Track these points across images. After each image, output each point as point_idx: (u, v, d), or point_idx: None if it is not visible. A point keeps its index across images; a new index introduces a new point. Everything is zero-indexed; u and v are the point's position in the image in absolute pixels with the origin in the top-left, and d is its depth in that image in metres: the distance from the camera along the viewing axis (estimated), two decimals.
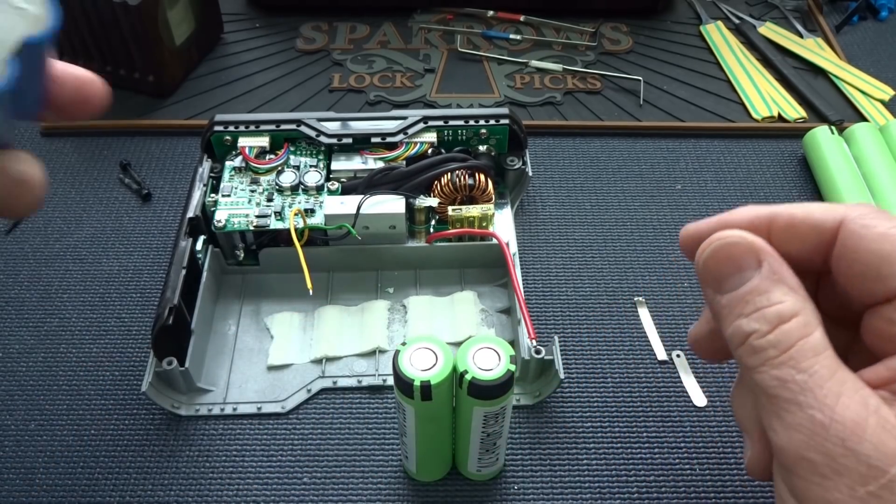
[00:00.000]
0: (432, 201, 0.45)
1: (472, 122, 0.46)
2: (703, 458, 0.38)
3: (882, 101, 0.57)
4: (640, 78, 0.59)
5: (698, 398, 0.40)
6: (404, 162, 0.46)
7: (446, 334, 0.42)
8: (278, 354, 0.42)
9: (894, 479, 0.17)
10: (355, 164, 0.46)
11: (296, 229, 0.42)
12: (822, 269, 0.23)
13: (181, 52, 0.57)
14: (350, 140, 0.46)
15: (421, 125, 0.46)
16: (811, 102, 0.57)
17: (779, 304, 0.20)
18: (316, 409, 0.40)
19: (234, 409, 0.40)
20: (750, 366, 0.20)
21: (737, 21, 0.65)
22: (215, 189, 0.45)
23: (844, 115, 0.56)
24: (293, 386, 0.41)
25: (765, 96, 0.58)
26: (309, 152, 0.46)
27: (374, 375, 0.41)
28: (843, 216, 0.21)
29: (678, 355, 0.42)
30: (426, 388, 0.30)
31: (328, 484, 0.37)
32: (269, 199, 0.44)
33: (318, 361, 0.42)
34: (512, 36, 0.63)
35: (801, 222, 0.22)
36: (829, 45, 0.63)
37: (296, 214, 0.43)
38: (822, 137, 0.51)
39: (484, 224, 0.45)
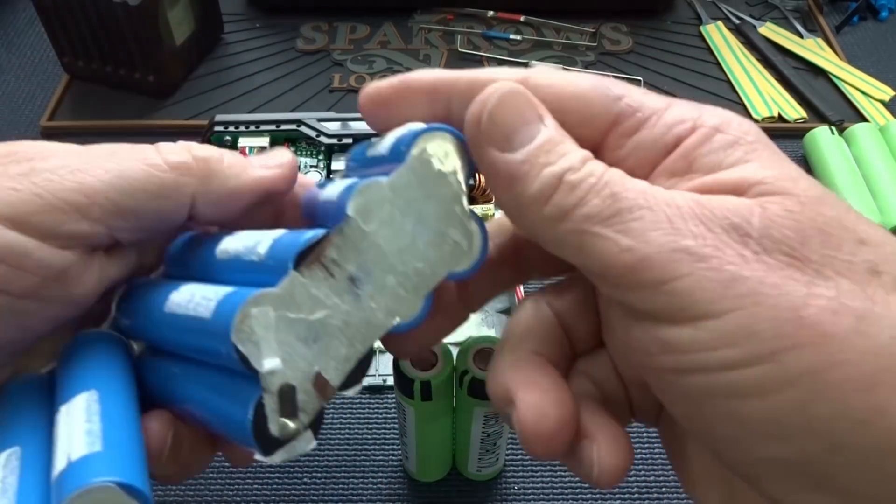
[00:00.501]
0: None
1: None
2: None
3: (882, 102, 0.57)
4: (640, 78, 0.59)
5: None
6: None
7: None
8: None
9: (763, 225, 0.15)
10: None
11: None
12: None
13: (181, 52, 0.57)
14: (350, 140, 0.46)
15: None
16: (811, 103, 0.57)
17: (580, 151, 0.18)
18: None
19: None
20: (569, 205, 0.17)
21: (737, 21, 0.65)
22: None
23: (844, 115, 0.56)
24: None
25: (765, 96, 0.58)
26: (309, 152, 0.46)
27: (374, 375, 0.41)
28: (526, 73, 0.19)
29: None
30: (426, 388, 0.30)
31: (328, 484, 0.37)
32: None
33: None
34: (512, 36, 0.63)
35: (482, 83, 0.19)
36: (829, 46, 0.63)
37: None
38: (822, 138, 0.51)
39: None
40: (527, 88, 0.18)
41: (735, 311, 0.15)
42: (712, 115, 0.18)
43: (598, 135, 0.18)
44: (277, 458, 0.17)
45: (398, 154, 0.18)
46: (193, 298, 0.19)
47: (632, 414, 0.22)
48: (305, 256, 0.17)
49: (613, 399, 0.21)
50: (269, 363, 0.17)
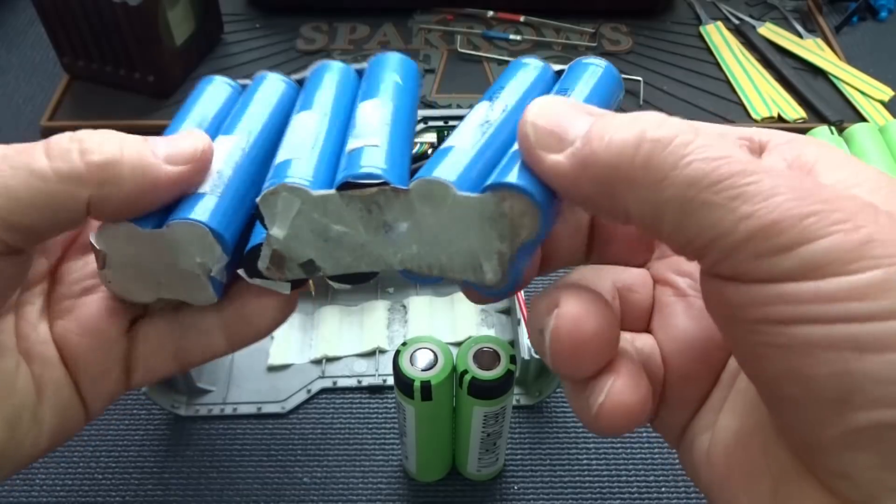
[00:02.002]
0: None
1: None
2: None
3: (882, 102, 0.57)
4: (639, 78, 0.59)
5: None
6: None
7: (446, 334, 0.42)
8: (278, 354, 0.42)
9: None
10: None
11: None
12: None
13: (181, 52, 0.57)
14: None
15: (421, 125, 0.46)
16: (811, 103, 0.57)
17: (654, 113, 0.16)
18: (316, 409, 0.40)
19: (234, 410, 0.40)
20: (666, 167, 0.15)
21: (736, 21, 0.65)
22: None
23: (844, 115, 0.56)
24: (293, 386, 0.41)
25: (764, 97, 0.58)
26: None
27: (374, 375, 0.41)
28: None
29: None
30: (426, 388, 0.30)
31: (328, 484, 0.37)
32: None
33: (318, 361, 0.42)
34: (512, 36, 0.63)
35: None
36: (829, 46, 0.63)
37: None
38: (822, 138, 0.51)
39: None
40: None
41: (872, 270, 0.13)
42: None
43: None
44: (256, 282, 0.22)
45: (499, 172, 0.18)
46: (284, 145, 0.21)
47: (655, 413, 0.20)
48: (353, 188, 0.19)
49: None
50: (274, 231, 0.20)
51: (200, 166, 0.21)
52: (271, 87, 0.24)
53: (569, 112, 0.17)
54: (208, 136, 0.22)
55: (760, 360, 0.15)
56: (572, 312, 0.17)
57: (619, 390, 0.18)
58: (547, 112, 0.17)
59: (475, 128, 0.19)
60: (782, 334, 0.14)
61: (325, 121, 0.22)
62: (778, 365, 0.15)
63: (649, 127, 0.15)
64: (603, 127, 0.16)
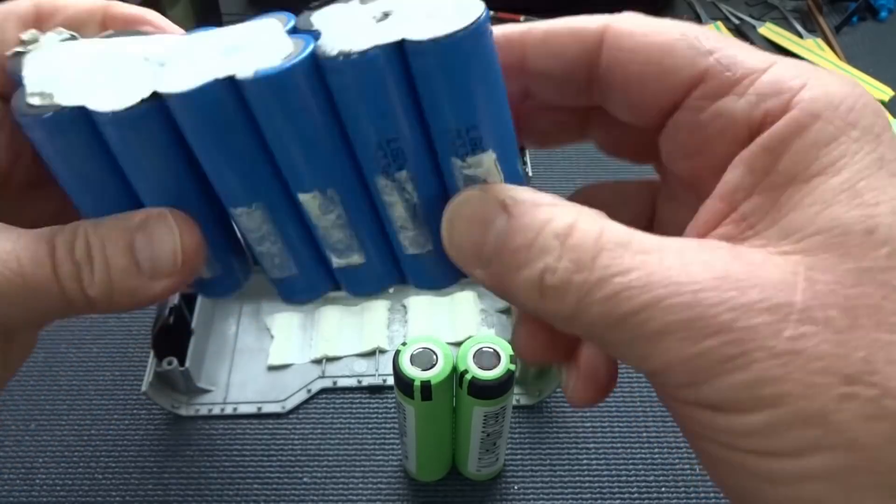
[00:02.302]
0: None
1: None
2: None
3: (882, 102, 0.57)
4: None
5: None
6: None
7: (446, 334, 0.42)
8: (278, 354, 0.42)
9: (805, 305, 0.13)
10: None
11: None
12: (591, 97, 0.18)
13: None
14: None
15: None
16: None
17: (550, 223, 0.15)
18: (316, 409, 0.40)
19: (235, 409, 0.40)
20: (569, 310, 0.15)
21: (737, 21, 0.65)
22: None
23: None
24: (293, 386, 0.41)
25: None
26: None
27: (374, 375, 0.41)
28: (608, 20, 0.17)
29: None
30: (426, 388, 0.30)
31: (328, 484, 0.37)
32: None
33: (318, 361, 0.42)
34: None
35: (559, 33, 0.18)
36: (829, 46, 0.63)
37: None
38: None
39: None
40: (606, 39, 0.17)
41: (763, 410, 0.13)
42: (820, 87, 0.15)
43: (679, 91, 0.16)
44: None
45: None
46: None
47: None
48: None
49: None
50: None
51: (189, 272, 0.19)
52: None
53: (477, 231, 0.16)
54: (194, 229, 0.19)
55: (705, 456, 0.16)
56: (520, 343, 0.19)
57: (574, 389, 0.19)
58: (458, 233, 0.17)
59: None
60: (716, 449, 0.15)
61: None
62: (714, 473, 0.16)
63: (548, 270, 0.15)
64: (507, 264, 0.16)
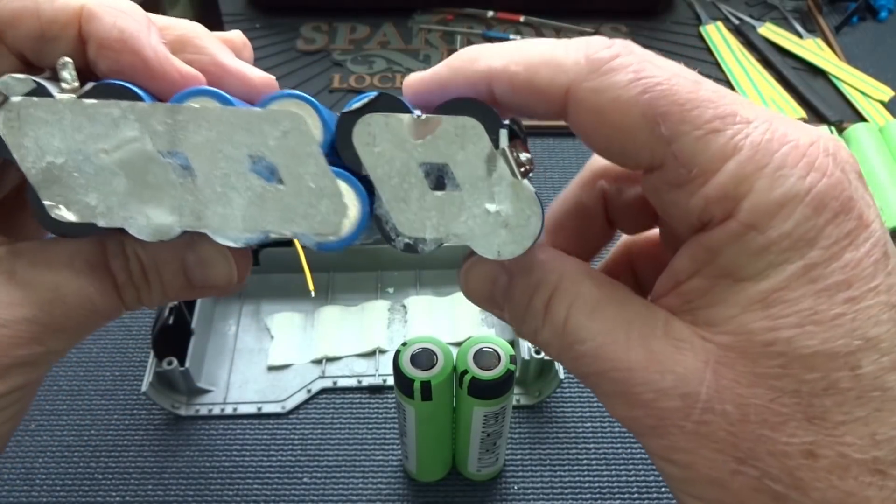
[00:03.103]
0: None
1: None
2: None
3: (882, 102, 0.57)
4: None
5: None
6: None
7: (446, 334, 0.42)
8: (278, 354, 0.42)
9: (708, 397, 0.16)
10: None
11: None
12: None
13: None
14: None
15: None
16: (811, 103, 0.57)
17: (536, 292, 0.18)
18: (316, 409, 0.40)
19: (234, 409, 0.40)
20: (555, 359, 0.20)
21: (736, 22, 0.65)
22: None
23: (844, 115, 0.56)
24: (293, 386, 0.41)
25: (764, 97, 0.58)
26: None
27: (374, 375, 0.41)
28: (569, 82, 0.16)
29: None
30: (426, 388, 0.30)
31: (328, 484, 0.37)
32: None
33: (318, 361, 0.42)
34: (512, 36, 0.63)
35: (524, 88, 0.17)
36: (829, 46, 0.63)
37: None
38: None
39: None
40: (569, 109, 0.17)
41: (682, 468, 0.17)
42: (766, 190, 0.15)
43: (640, 168, 0.17)
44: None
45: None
46: None
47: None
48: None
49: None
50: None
51: (239, 286, 0.21)
52: None
53: (487, 286, 0.19)
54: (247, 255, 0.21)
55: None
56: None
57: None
58: (472, 288, 0.20)
59: None
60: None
61: None
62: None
63: (537, 331, 0.19)
64: (513, 315, 0.19)
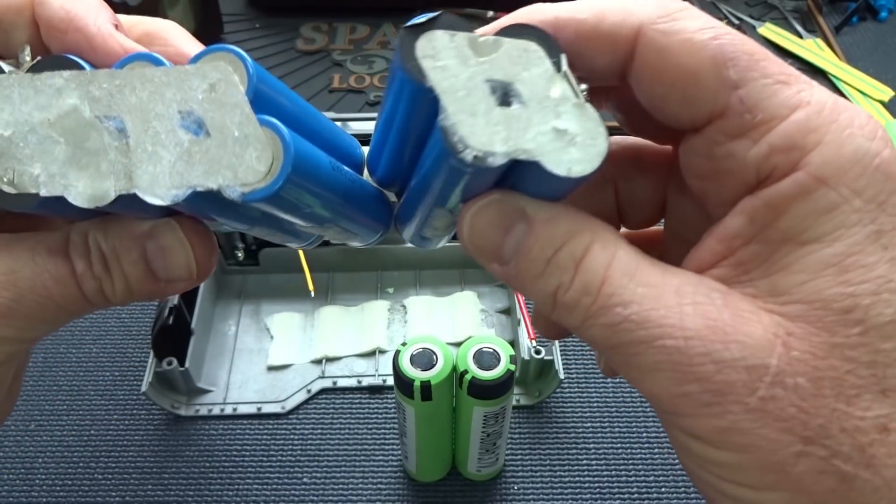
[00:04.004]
0: None
1: None
2: None
3: (882, 102, 0.57)
4: None
5: None
6: None
7: (446, 334, 0.42)
8: (278, 354, 0.42)
9: (779, 370, 0.15)
10: None
11: None
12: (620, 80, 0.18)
13: None
14: None
15: None
16: None
17: (566, 244, 0.16)
18: (316, 409, 0.40)
19: (234, 410, 0.40)
20: (576, 325, 0.17)
21: (736, 22, 0.65)
22: None
23: None
24: (293, 386, 0.41)
25: None
26: None
27: (374, 375, 0.41)
28: (640, 23, 0.16)
29: None
30: (426, 388, 0.30)
31: (328, 484, 0.37)
32: None
33: (318, 361, 0.42)
34: None
35: (591, 34, 0.17)
36: (829, 46, 0.63)
37: None
38: None
39: None
40: (638, 50, 0.16)
41: (733, 452, 0.15)
42: (835, 146, 0.15)
43: (698, 121, 0.16)
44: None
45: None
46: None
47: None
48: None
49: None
50: None
51: (205, 276, 0.20)
52: None
53: (497, 234, 0.17)
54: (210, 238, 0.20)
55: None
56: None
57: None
58: (477, 235, 0.18)
59: None
60: (691, 464, 0.17)
61: None
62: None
63: (561, 287, 0.16)
64: (525, 270, 0.17)
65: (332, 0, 0.65)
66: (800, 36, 0.64)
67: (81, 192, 0.18)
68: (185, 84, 0.17)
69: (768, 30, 0.64)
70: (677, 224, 0.21)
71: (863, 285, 0.15)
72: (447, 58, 0.17)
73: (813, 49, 0.62)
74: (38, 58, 0.19)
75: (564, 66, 0.17)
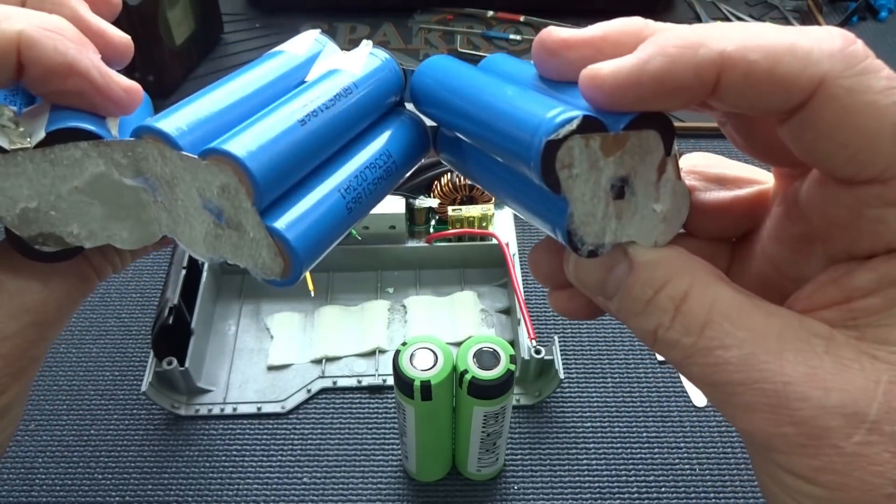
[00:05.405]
0: (432, 202, 0.45)
1: None
2: (703, 458, 0.38)
3: None
4: None
5: (698, 398, 0.40)
6: None
7: (446, 334, 0.42)
8: (278, 354, 0.42)
9: (877, 418, 0.15)
10: None
11: None
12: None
13: (181, 52, 0.57)
14: None
15: None
16: None
17: (666, 285, 0.17)
18: (316, 409, 0.40)
19: (234, 409, 0.40)
20: (675, 361, 0.17)
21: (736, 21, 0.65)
22: None
23: None
24: (293, 386, 0.41)
25: None
26: None
27: (374, 375, 0.41)
28: (824, 75, 0.15)
29: None
30: (426, 387, 0.30)
31: (328, 484, 0.37)
32: None
33: (318, 361, 0.42)
34: (512, 36, 0.63)
35: (762, 80, 0.15)
36: None
37: None
38: None
39: (484, 224, 0.45)
40: (817, 100, 0.15)
41: (825, 489, 0.16)
42: None
43: (859, 179, 0.16)
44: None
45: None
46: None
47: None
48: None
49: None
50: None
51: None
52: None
53: (600, 273, 0.19)
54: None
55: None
56: (559, 305, 0.21)
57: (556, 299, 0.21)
58: (582, 271, 0.19)
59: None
60: (777, 491, 0.17)
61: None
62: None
63: (661, 327, 0.17)
64: (626, 307, 0.18)
65: (332, 0, 0.65)
66: None
67: (127, 238, 0.19)
68: (200, 176, 0.17)
69: None
70: (772, 248, 0.20)
71: None
72: (581, 165, 0.17)
73: None
74: (40, 133, 0.18)
75: (675, 150, 0.17)
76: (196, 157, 0.17)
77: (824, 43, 0.15)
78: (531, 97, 0.18)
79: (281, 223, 0.18)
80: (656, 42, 0.16)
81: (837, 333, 0.16)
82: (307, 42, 0.22)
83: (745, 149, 0.20)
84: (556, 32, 0.18)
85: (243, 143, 0.17)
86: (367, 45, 0.22)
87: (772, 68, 0.15)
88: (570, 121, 0.16)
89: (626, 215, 0.18)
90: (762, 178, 0.21)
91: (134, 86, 0.19)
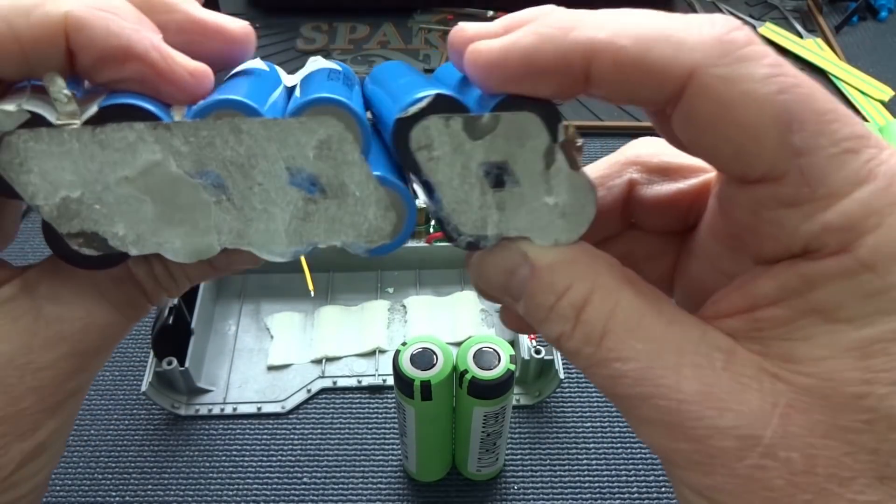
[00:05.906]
0: None
1: None
2: None
3: (882, 102, 0.57)
4: None
5: None
6: None
7: (446, 334, 0.42)
8: (278, 354, 0.42)
9: (772, 442, 0.14)
10: None
11: None
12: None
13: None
14: None
15: None
16: None
17: (567, 291, 0.16)
18: (316, 409, 0.40)
19: (234, 409, 0.40)
20: (581, 369, 0.17)
21: None
22: None
23: None
24: (293, 386, 0.41)
25: None
26: None
27: (374, 375, 0.41)
28: (695, 64, 0.14)
29: None
30: (426, 387, 0.30)
31: (328, 484, 0.37)
32: None
33: (318, 361, 0.42)
34: None
35: (633, 66, 0.14)
36: (829, 46, 0.63)
37: None
38: None
39: None
40: (689, 92, 0.14)
41: None
42: (892, 231, 0.14)
43: (750, 177, 0.15)
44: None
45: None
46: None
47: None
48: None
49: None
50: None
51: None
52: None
53: (503, 277, 0.17)
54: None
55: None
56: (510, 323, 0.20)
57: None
58: (484, 278, 0.18)
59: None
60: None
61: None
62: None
63: (563, 336, 0.16)
64: (530, 312, 0.17)
65: (332, 0, 0.65)
66: (800, 36, 0.64)
67: (180, 248, 0.17)
68: (290, 139, 0.16)
69: (768, 29, 0.64)
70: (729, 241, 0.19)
71: (882, 374, 0.14)
72: (441, 146, 0.16)
73: (813, 49, 0.62)
74: (92, 107, 0.16)
75: (562, 137, 0.16)
76: (285, 118, 0.16)
77: (703, 29, 0.14)
78: (416, 84, 0.17)
79: (391, 176, 0.16)
80: (535, 23, 0.15)
81: (740, 347, 0.15)
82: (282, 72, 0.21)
83: (674, 144, 0.18)
84: (463, 29, 0.17)
85: (335, 91, 0.16)
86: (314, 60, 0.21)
87: (642, 56, 0.14)
88: (420, 99, 0.16)
89: (509, 206, 0.17)
90: (707, 167, 0.19)
91: (201, 68, 0.17)
